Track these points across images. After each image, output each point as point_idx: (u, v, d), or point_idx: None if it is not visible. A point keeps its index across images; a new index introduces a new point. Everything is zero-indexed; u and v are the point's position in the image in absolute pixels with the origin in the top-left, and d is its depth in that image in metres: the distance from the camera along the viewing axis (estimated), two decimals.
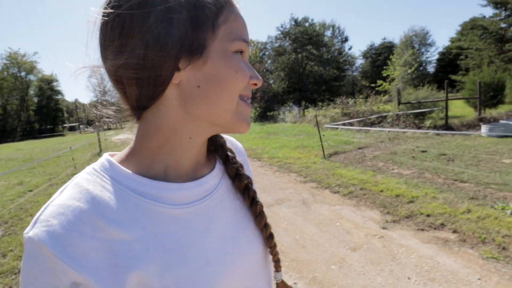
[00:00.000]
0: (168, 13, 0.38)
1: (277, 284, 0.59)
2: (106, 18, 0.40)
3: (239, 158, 0.58)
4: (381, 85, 15.10)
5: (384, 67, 16.17)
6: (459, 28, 36.16)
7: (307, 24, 40.22)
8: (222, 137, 0.59)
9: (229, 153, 0.56)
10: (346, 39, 47.89)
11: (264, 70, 34.63)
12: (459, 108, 15.84)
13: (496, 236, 2.95)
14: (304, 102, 24.52)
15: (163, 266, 0.39)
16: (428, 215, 3.61)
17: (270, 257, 0.57)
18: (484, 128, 8.91)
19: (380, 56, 46.77)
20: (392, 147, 8.24)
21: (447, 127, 10.31)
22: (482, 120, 10.75)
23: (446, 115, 10.62)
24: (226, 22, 0.42)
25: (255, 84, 0.48)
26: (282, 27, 40.51)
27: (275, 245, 0.56)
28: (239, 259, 0.48)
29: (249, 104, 0.48)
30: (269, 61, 41.47)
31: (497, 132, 8.58)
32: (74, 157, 10.50)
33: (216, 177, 0.51)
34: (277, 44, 41.04)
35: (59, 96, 55.82)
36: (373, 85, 16.53)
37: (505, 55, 20.85)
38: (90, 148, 14.83)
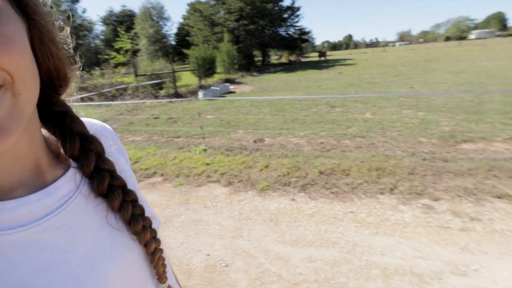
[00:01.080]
0: None
1: None
2: None
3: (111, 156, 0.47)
4: (115, 57, 15.09)
5: (116, 39, 16.12)
6: (188, 8, 41.43)
7: None
8: (88, 137, 0.43)
9: (99, 165, 0.43)
10: (77, 0, 41.82)
11: None
12: (189, 78, 19.17)
13: (186, 170, 4.26)
14: None
15: None
16: (146, 169, 4.48)
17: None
18: (200, 94, 11.54)
19: (122, 24, 45.20)
20: (131, 117, 8.85)
21: (177, 94, 12.32)
22: (201, 87, 13.76)
23: (175, 84, 12.60)
24: None
25: None
26: None
27: (158, 260, 0.51)
28: (119, 268, 0.42)
29: None
30: None
31: (208, 96, 11.44)
32: None
33: (71, 180, 0.41)
34: None
35: None
36: (107, 56, 16.12)
37: (216, 36, 27.00)
38: None
